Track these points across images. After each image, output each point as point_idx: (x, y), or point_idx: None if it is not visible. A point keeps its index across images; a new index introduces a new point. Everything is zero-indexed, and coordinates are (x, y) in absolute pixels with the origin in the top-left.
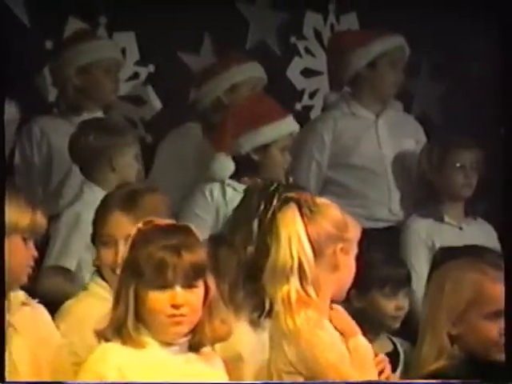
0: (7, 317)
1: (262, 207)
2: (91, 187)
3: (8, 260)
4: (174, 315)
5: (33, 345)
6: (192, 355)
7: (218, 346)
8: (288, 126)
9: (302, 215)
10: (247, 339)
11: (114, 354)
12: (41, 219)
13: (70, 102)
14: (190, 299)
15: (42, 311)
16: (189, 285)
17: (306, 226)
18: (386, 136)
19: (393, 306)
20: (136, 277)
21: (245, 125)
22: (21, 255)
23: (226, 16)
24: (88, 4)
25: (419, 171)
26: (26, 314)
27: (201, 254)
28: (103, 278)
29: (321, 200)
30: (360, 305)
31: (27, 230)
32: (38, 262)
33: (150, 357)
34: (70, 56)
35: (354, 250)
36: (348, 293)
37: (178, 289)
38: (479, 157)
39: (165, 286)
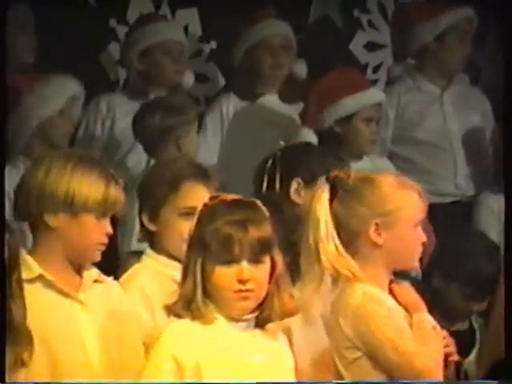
0: (78, 295)
1: (264, 186)
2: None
3: (79, 240)
4: (240, 290)
5: (102, 321)
6: (258, 331)
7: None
8: (372, 96)
9: (333, 195)
10: None
11: (185, 332)
12: (116, 194)
13: (134, 86)
14: (256, 274)
15: (115, 287)
16: (255, 260)
17: (333, 207)
18: (451, 111)
19: (469, 307)
20: (203, 252)
21: (327, 98)
22: (93, 235)
23: None
24: None
25: (493, 146)
26: (97, 290)
27: (267, 229)
28: (159, 252)
29: (362, 175)
30: (438, 286)
31: (100, 208)
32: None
33: (219, 332)
34: (132, 40)
35: (407, 220)
36: (431, 270)
37: (245, 264)
38: None
39: (231, 261)
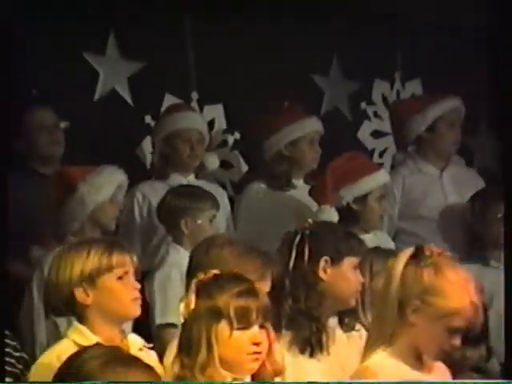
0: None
1: (292, 261)
2: (175, 248)
3: (113, 302)
4: (254, 352)
5: None
6: None
7: None
8: (381, 177)
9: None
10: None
11: None
12: (124, 259)
13: (158, 168)
14: (263, 338)
15: (154, 356)
16: (262, 325)
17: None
18: (450, 189)
19: (465, 356)
20: (216, 320)
21: (344, 178)
22: (123, 293)
23: (302, 87)
24: (182, 82)
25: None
26: (144, 357)
27: (267, 298)
28: None
29: (447, 260)
30: None
31: (113, 270)
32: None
33: None
34: (158, 128)
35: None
36: None
37: (256, 328)
38: None
39: (246, 326)
